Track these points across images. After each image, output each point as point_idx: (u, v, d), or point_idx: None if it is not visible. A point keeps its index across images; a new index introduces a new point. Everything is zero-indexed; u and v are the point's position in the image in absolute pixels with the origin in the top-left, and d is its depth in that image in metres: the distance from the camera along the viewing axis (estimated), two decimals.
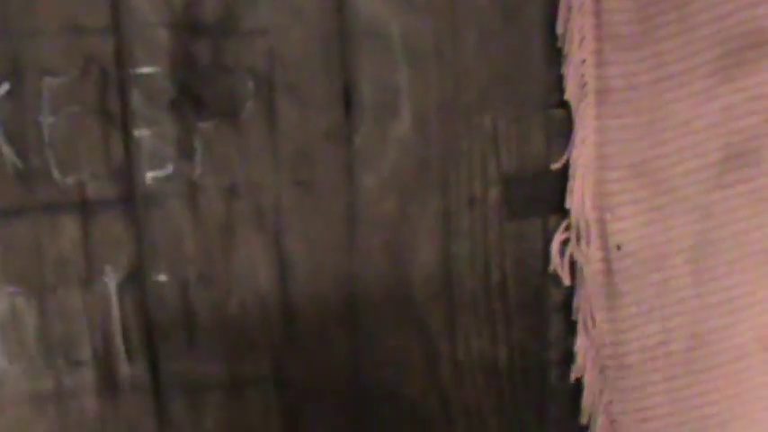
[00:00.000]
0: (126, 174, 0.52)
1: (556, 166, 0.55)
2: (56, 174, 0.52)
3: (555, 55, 0.55)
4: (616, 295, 0.56)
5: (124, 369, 0.54)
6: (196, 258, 0.53)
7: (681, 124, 0.54)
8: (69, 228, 0.52)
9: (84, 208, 0.52)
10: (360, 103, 0.54)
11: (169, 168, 0.53)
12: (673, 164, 0.55)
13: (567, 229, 0.56)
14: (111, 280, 0.53)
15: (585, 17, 0.55)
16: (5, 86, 0.51)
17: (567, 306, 0.58)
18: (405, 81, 0.54)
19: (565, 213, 0.57)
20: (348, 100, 0.53)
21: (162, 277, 0.53)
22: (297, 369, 0.55)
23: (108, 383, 0.54)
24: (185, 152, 0.52)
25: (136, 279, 0.53)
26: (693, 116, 0.54)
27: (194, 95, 0.52)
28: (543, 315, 0.58)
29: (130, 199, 0.53)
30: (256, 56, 0.52)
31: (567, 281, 0.56)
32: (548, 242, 0.58)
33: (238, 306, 0.54)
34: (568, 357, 0.59)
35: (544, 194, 0.57)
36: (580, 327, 0.56)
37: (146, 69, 0.51)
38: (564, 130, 0.56)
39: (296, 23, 0.52)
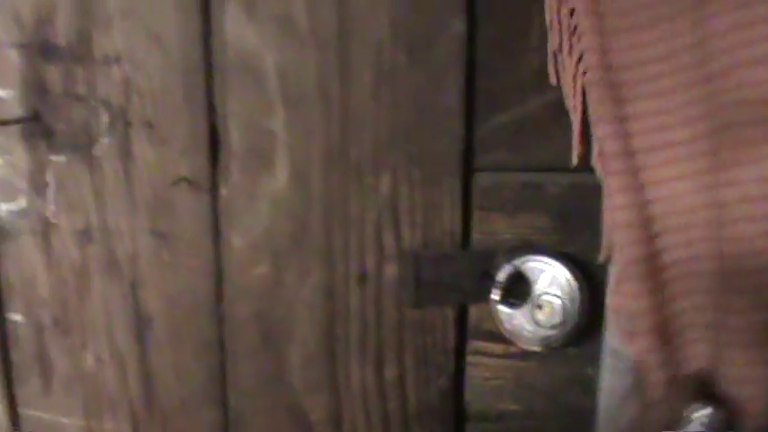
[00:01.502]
0: None
1: None
2: None
3: (483, 104, 0.58)
4: None
5: None
6: (50, 301, 0.66)
7: (676, 211, 0.57)
8: None
9: None
10: (228, 148, 0.61)
11: (22, 202, 0.64)
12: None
13: None
14: None
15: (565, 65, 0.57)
16: None
17: (487, 418, 0.63)
18: (281, 126, 0.60)
19: (485, 300, 0.61)
20: (214, 143, 0.60)
21: (18, 317, 0.66)
22: None
23: None
24: (38, 186, 0.63)
25: None
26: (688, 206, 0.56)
27: (46, 125, 0.62)
28: (453, 425, 0.64)
29: None
30: (111, 85, 0.61)
31: None
32: (463, 336, 0.62)
33: (95, 359, 0.66)
34: None
35: (457, 279, 0.61)
36: None
37: None
38: (491, 202, 0.59)
39: (155, 51, 0.60)
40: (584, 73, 0.57)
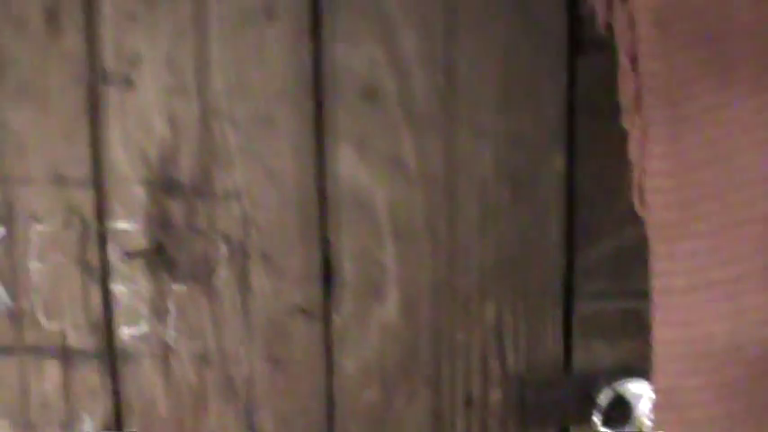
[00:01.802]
0: (103, 327, 0.72)
1: None
2: (41, 318, 0.73)
3: (581, 236, 0.64)
4: None
5: None
6: (168, 422, 0.72)
7: (725, 350, 0.61)
8: (52, 372, 0.75)
9: (66, 355, 0.74)
10: (340, 279, 0.68)
11: (144, 327, 0.71)
12: (713, 400, 0.62)
13: None
14: (89, 428, 0.74)
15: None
16: (2, 230, 0.72)
17: None
18: (391, 258, 0.67)
19: (587, 424, 0.66)
20: (327, 274, 0.67)
21: None
22: None
23: None
24: (159, 312, 0.71)
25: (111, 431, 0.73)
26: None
27: (168, 256, 0.69)
28: None
29: (107, 352, 0.72)
30: (230, 220, 0.68)
31: None
32: None
33: None
34: None
35: (561, 402, 0.66)
36: None
37: (123, 225, 0.70)
38: (592, 329, 0.65)
39: (272, 188, 0.67)
40: None
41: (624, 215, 0.65)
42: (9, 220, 0.73)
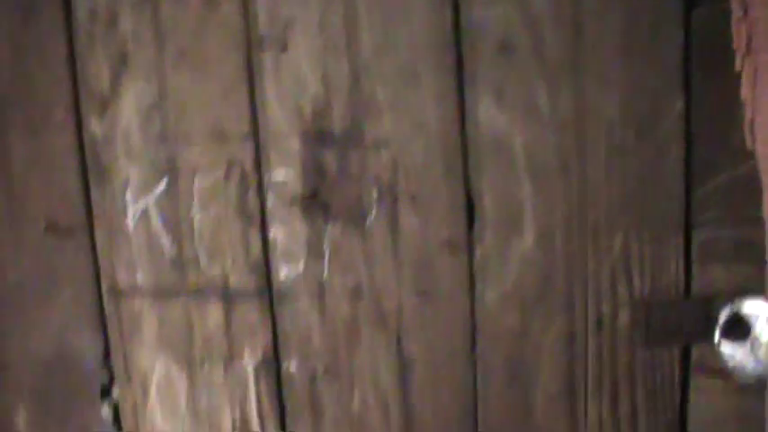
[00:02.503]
0: (262, 268, 0.89)
1: None
2: (203, 263, 0.91)
3: (699, 169, 0.80)
4: None
5: None
6: (323, 352, 0.90)
7: None
8: (214, 311, 0.92)
9: (227, 295, 0.91)
10: (482, 216, 0.85)
11: (300, 267, 0.89)
12: None
13: None
14: (248, 363, 0.92)
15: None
16: (164, 184, 0.90)
17: None
18: (528, 196, 0.83)
19: (709, 343, 0.82)
20: (470, 212, 0.84)
21: (293, 366, 0.91)
22: None
23: None
24: (315, 253, 0.88)
25: (270, 365, 0.92)
26: None
27: (323, 200, 0.87)
28: None
29: (266, 292, 0.90)
30: (380, 166, 0.85)
31: None
32: (687, 374, 0.84)
33: (361, 402, 0.90)
34: None
35: (683, 322, 0.83)
36: None
37: (280, 174, 0.87)
38: (710, 254, 0.81)
39: (418, 135, 0.84)
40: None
41: (737, 151, 0.81)
42: (172, 175, 0.91)
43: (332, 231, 0.88)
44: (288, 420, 0.93)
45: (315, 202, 0.88)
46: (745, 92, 0.79)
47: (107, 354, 0.96)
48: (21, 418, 1.01)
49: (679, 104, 0.81)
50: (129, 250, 0.93)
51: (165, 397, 0.96)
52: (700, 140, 0.82)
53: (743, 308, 0.82)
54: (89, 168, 0.92)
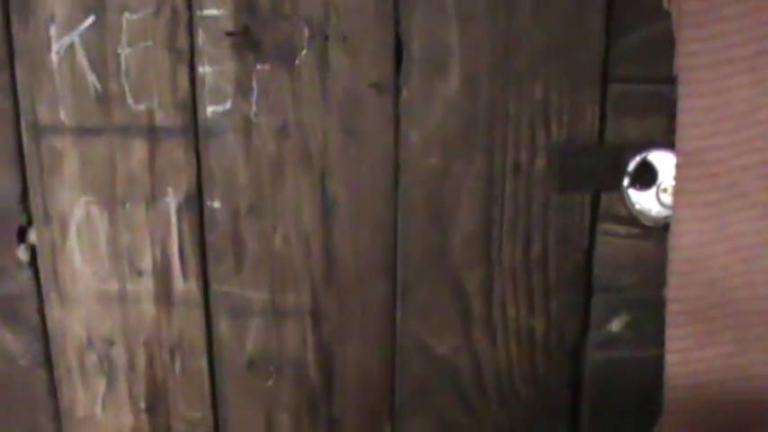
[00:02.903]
0: (189, 105, 0.96)
1: None
2: (129, 100, 0.97)
3: (617, 26, 0.90)
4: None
5: (179, 283, 1.01)
6: (247, 190, 0.98)
7: (743, 114, 0.87)
8: (139, 149, 0.99)
9: (152, 133, 0.98)
10: (410, 58, 0.93)
11: (227, 104, 0.96)
12: (732, 156, 0.89)
13: None
14: (171, 201, 0.99)
15: None
16: (90, 19, 0.96)
17: (610, 288, 0.96)
18: (456, 40, 0.92)
19: (617, 190, 0.93)
20: (398, 54, 0.93)
21: (216, 204, 0.99)
22: (334, 307, 1.00)
23: (164, 294, 1.02)
24: (243, 90, 0.95)
25: (193, 203, 0.99)
26: (757, 106, 0.87)
27: (254, 39, 0.94)
28: (584, 294, 0.96)
29: (192, 129, 0.97)
30: (313, 5, 0.93)
31: None
32: (595, 219, 0.94)
33: (283, 240, 0.98)
34: (608, 341, 0.97)
35: (594, 169, 0.93)
36: None
37: (212, 11, 0.94)
38: (622, 106, 0.91)
39: None
40: None
41: (653, 10, 0.91)
42: (100, 10, 0.96)
43: (261, 69, 0.95)
44: (209, 258, 1.01)
45: (245, 39, 0.95)
46: None
47: (25, 195, 1.02)
48: None
49: None
50: (53, 87, 0.98)
51: (84, 237, 1.02)
52: None
53: (650, 158, 0.93)
54: (10, 3, 0.97)
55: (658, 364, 0.97)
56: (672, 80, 0.91)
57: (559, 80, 0.93)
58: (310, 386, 1.03)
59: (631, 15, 0.92)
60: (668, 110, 0.92)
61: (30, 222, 1.02)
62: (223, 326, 1.03)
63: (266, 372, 1.03)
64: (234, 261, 1.00)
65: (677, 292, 0.92)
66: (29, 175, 1.01)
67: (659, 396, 0.97)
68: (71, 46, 0.97)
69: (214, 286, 1.02)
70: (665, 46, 0.91)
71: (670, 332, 0.93)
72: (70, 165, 1.00)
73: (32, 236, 1.03)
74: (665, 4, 0.90)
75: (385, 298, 1.00)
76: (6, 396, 1.08)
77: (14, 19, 0.97)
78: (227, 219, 0.99)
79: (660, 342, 0.96)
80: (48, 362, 1.06)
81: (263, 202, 0.98)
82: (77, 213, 1.01)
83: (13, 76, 0.98)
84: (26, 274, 1.04)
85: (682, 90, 0.89)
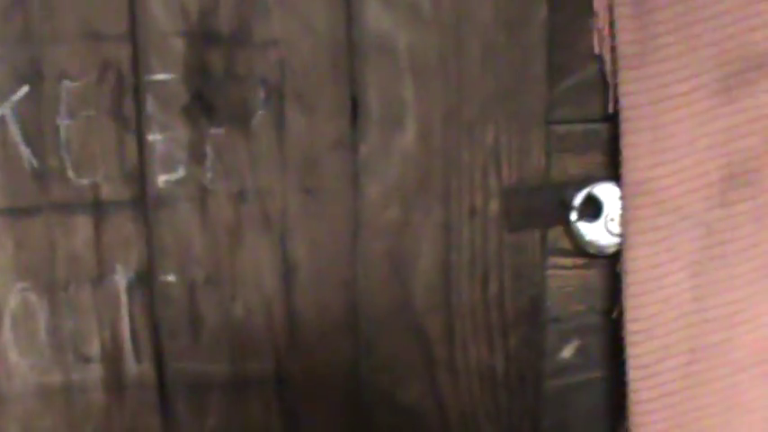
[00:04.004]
0: (139, 176, 0.89)
1: None
2: (71, 174, 0.89)
3: (556, 71, 0.93)
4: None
5: (131, 366, 0.92)
6: (204, 260, 0.91)
7: (683, 144, 0.92)
8: (82, 227, 0.90)
9: (98, 208, 0.90)
10: (366, 114, 0.91)
11: (180, 172, 0.89)
12: (676, 183, 0.93)
13: None
14: (121, 279, 0.91)
15: (604, 39, 0.92)
16: (25, 89, 0.87)
17: (561, 318, 0.97)
18: (410, 94, 0.91)
19: (565, 225, 0.94)
20: (355, 111, 0.91)
21: (170, 278, 0.91)
22: (298, 371, 0.95)
23: (115, 379, 0.92)
24: (197, 157, 0.89)
25: (145, 279, 0.91)
26: (696, 136, 0.92)
27: (207, 102, 0.89)
28: (539, 326, 0.97)
29: (142, 201, 0.89)
30: (268, 66, 0.89)
31: None
32: (545, 254, 0.95)
33: (243, 308, 0.92)
34: (562, 368, 0.97)
35: (543, 207, 0.94)
36: None
37: (160, 76, 0.88)
38: (564, 146, 0.93)
39: (306, 35, 0.89)
40: (613, 48, 0.94)
41: (587, 55, 0.95)
42: (36, 79, 0.87)
43: (215, 134, 0.90)
44: (163, 335, 0.92)
45: (198, 103, 0.89)
46: (597, 3, 0.93)
47: None
48: None
49: (543, 11, 0.93)
50: None
51: (21, 328, 0.91)
52: (558, 46, 0.94)
53: (595, 191, 0.96)
54: None
55: (607, 385, 1.00)
56: (606, 118, 0.95)
57: (508, 125, 0.94)
58: None
59: (568, 60, 0.95)
60: (604, 146, 0.96)
61: None
62: (181, 405, 0.94)
63: None
64: (191, 335, 0.93)
65: (634, 312, 0.94)
66: None
67: (610, 415, 1.00)
68: (2, 119, 0.87)
69: (170, 364, 0.93)
70: (598, 88, 0.94)
71: (631, 350, 0.95)
72: (4, 250, 0.89)
73: None
74: (597, 50, 0.94)
75: (349, 355, 0.95)
76: None
77: None
78: (183, 292, 0.92)
79: (607, 365, 0.99)
80: None
81: (221, 270, 0.92)
82: (13, 302, 0.90)
83: None
84: None
85: (624, 126, 0.92)
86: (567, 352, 1.00)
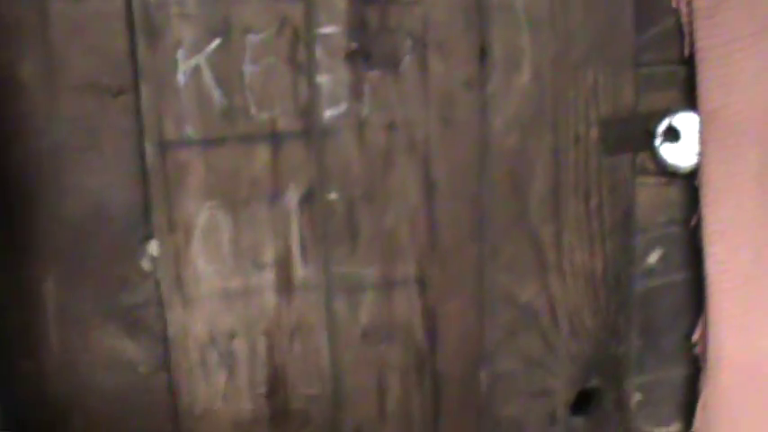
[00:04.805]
0: (309, 111, 1.06)
1: None
2: (253, 111, 1.05)
3: (642, 23, 1.11)
4: None
5: (299, 271, 1.08)
6: (360, 180, 1.08)
7: (750, 77, 1.11)
8: (261, 154, 1.06)
9: (274, 138, 1.06)
10: (491, 59, 1.09)
11: (343, 107, 1.06)
12: (744, 109, 1.12)
13: None
14: (292, 197, 1.07)
15: None
16: (217, 41, 1.03)
17: (647, 228, 1.15)
18: (526, 43, 1.09)
19: (650, 149, 1.13)
20: (483, 56, 1.08)
21: (333, 195, 1.08)
22: (437, 273, 1.10)
23: (285, 283, 1.08)
24: (356, 94, 1.07)
25: (312, 197, 1.08)
26: (760, 70, 1.10)
27: (365, 50, 1.06)
28: (630, 234, 1.14)
29: (311, 131, 1.06)
30: (413, 20, 1.06)
31: None
32: (634, 174, 1.13)
33: (392, 220, 1.09)
34: (648, 271, 1.15)
35: (633, 135, 1.12)
36: None
37: (328, 29, 1.05)
38: (649, 84, 1.12)
39: None
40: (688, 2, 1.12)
41: (666, 8, 1.13)
42: (226, 33, 1.04)
43: (371, 76, 1.07)
44: (326, 244, 1.09)
45: (358, 51, 1.06)
46: None
47: (147, 208, 1.05)
48: (50, 287, 1.04)
49: None
50: (179, 105, 1.04)
51: (208, 240, 1.07)
52: (643, 2, 1.13)
53: (674, 121, 1.14)
54: (138, 31, 1.02)
55: (686, 287, 1.18)
56: (683, 62, 1.13)
57: (604, 67, 1.12)
58: (417, 346, 1.13)
59: (651, 13, 1.13)
60: (681, 84, 1.14)
61: (151, 235, 1.05)
62: (339, 304, 1.10)
63: (378, 339, 1.12)
64: (349, 244, 1.09)
65: (711, 216, 1.12)
66: (153, 188, 1.05)
67: (689, 312, 1.18)
68: (197, 67, 1.03)
69: (332, 269, 1.09)
70: (677, 36, 1.13)
71: (709, 249, 1.13)
72: (195, 174, 1.05)
73: (154, 246, 1.06)
74: (674, 4, 1.12)
75: (477, 259, 1.12)
76: (125, 405, 1.08)
77: (141, 46, 1.02)
78: (343, 207, 1.08)
79: (686, 269, 1.17)
80: (167, 365, 1.08)
81: (375, 189, 1.09)
82: (202, 218, 1.06)
83: (138, 99, 1.03)
84: (149, 283, 1.06)
85: (700, 65, 1.10)
86: (653, 258, 1.18)
